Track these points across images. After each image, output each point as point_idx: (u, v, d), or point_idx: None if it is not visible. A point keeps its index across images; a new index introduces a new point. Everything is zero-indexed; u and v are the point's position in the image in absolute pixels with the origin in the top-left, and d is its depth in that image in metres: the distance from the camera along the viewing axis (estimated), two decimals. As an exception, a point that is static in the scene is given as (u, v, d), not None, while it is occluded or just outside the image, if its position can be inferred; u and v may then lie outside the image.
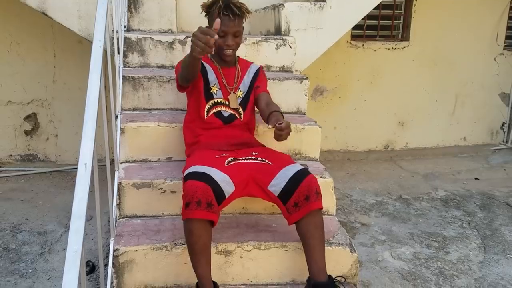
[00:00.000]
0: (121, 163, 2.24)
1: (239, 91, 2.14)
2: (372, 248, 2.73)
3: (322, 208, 1.83)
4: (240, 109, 2.13)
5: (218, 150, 1.99)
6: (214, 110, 2.08)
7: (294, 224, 1.84)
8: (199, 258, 1.70)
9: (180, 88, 2.09)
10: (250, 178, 1.87)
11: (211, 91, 2.09)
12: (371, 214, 3.23)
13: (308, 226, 1.80)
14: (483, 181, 3.90)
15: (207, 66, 2.10)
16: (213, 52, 1.87)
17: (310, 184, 1.79)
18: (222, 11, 1.94)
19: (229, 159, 1.92)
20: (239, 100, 2.13)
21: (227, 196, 1.77)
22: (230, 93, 2.11)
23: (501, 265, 2.58)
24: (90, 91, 1.46)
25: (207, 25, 2.04)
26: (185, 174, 1.79)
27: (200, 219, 1.66)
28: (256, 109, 2.22)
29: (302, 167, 1.87)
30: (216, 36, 1.60)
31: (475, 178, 3.97)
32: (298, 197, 1.78)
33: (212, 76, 2.09)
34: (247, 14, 2.03)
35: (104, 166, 1.91)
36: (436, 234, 2.93)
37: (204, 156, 1.91)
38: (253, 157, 1.95)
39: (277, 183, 1.82)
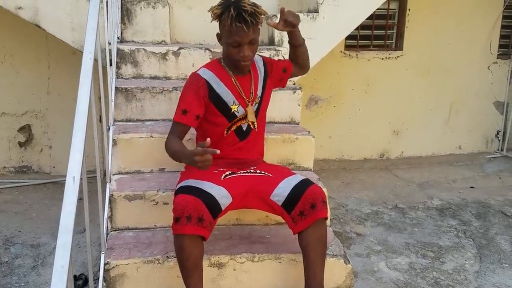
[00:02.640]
0: (114, 174, 2.22)
1: (258, 97, 1.98)
2: (367, 259, 2.72)
3: (327, 218, 1.82)
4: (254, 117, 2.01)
5: (217, 166, 1.90)
6: (235, 127, 1.94)
7: (288, 235, 1.83)
8: (191, 274, 1.68)
9: None
10: (249, 190, 1.84)
11: (233, 111, 1.91)
12: (366, 223, 3.22)
13: (311, 237, 1.77)
14: (479, 190, 3.89)
15: (218, 84, 1.89)
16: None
17: (315, 192, 1.77)
18: (234, 21, 1.73)
19: (227, 173, 1.88)
20: (256, 107, 1.97)
21: (223, 208, 1.75)
22: (247, 105, 1.94)
23: (497, 275, 2.56)
24: (80, 103, 1.45)
25: (218, 32, 1.88)
26: (176, 188, 1.77)
27: (191, 234, 1.64)
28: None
29: (305, 178, 1.85)
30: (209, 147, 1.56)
31: (471, 187, 3.96)
32: (304, 206, 1.76)
33: (228, 96, 1.90)
34: (262, 17, 1.82)
35: (96, 177, 1.90)
36: (431, 244, 2.91)
37: (200, 170, 1.81)
38: (251, 171, 1.92)
39: (280, 193, 1.80)
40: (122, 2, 2.86)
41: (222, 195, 1.74)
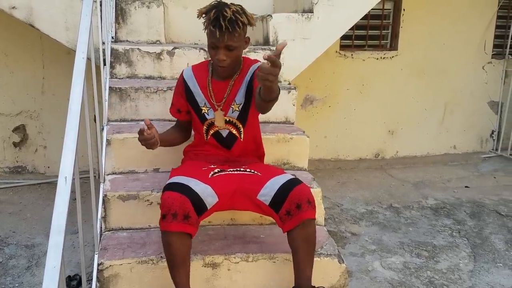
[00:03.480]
0: (108, 174, 2.22)
1: (234, 103, 1.94)
2: (362, 258, 2.72)
3: (314, 218, 1.79)
4: (239, 124, 1.98)
5: (207, 162, 1.96)
6: (212, 131, 1.98)
7: (282, 235, 1.82)
8: (178, 269, 1.69)
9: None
10: (236, 189, 1.83)
11: (203, 112, 1.97)
12: (361, 223, 3.22)
13: (298, 238, 1.77)
14: (473, 189, 3.91)
15: (193, 84, 1.98)
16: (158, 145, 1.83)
17: (301, 193, 1.75)
18: (210, 24, 1.76)
19: (215, 170, 1.88)
20: (236, 115, 1.95)
21: (209, 207, 1.75)
22: (217, 109, 1.95)
23: (491, 274, 2.57)
24: (72, 102, 1.45)
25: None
26: (164, 185, 1.77)
27: (177, 231, 1.65)
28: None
29: (293, 177, 1.82)
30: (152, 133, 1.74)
31: (465, 186, 3.98)
32: (290, 205, 1.74)
33: (199, 96, 1.97)
34: (245, 27, 1.81)
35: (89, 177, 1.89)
36: (426, 243, 2.92)
37: (189, 167, 1.89)
38: (241, 169, 1.91)
39: (267, 192, 1.78)
40: (116, 2, 2.86)
41: (207, 193, 1.74)
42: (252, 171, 1.89)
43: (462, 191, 3.86)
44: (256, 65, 1.94)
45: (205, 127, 1.98)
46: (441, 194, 3.78)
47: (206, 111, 1.96)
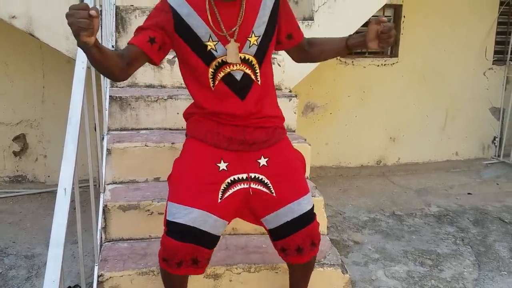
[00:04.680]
0: (108, 184, 2.20)
1: (253, 35, 1.49)
2: (365, 267, 2.69)
3: (315, 254, 1.66)
4: (255, 63, 1.51)
5: (217, 148, 1.54)
6: (222, 74, 1.48)
7: None
8: None
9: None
10: (245, 205, 1.59)
11: (209, 48, 1.46)
12: (364, 231, 3.19)
13: (297, 271, 1.71)
14: (476, 196, 3.88)
15: (187, 10, 1.44)
16: (94, 39, 1.21)
17: (305, 236, 1.57)
18: None
19: (225, 184, 1.52)
20: (254, 50, 1.49)
21: (220, 235, 1.57)
22: (230, 40, 1.46)
23: (496, 282, 2.54)
24: (72, 112, 1.44)
25: None
26: (165, 219, 1.52)
27: (183, 275, 1.54)
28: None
29: (306, 210, 1.58)
30: (93, 12, 1.15)
31: (468, 193, 3.95)
32: (289, 245, 1.58)
33: (201, 28, 1.45)
34: None
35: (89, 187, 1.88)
36: (429, 251, 2.89)
37: (194, 172, 1.52)
38: (257, 176, 1.55)
39: (271, 222, 1.59)
40: (116, 11, 2.85)
41: (218, 226, 1.51)
42: (268, 182, 1.55)
43: (465, 198, 3.83)
44: None
45: (211, 69, 1.47)
46: (443, 201, 3.76)
47: (213, 46, 1.45)
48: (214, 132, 1.53)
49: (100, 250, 1.94)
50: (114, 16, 2.84)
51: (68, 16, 1.15)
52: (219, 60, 1.46)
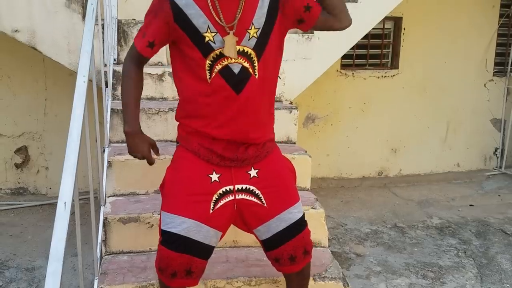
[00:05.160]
0: (108, 197, 2.20)
1: (252, 27, 1.44)
2: (367, 280, 2.67)
3: (309, 262, 1.67)
4: (254, 56, 1.46)
5: (208, 163, 1.52)
6: (219, 66, 1.43)
7: None
8: None
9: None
10: (237, 215, 1.59)
11: (207, 40, 1.42)
12: (366, 243, 3.18)
13: (292, 280, 1.69)
14: (478, 208, 3.86)
15: (186, 1, 1.42)
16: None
17: (297, 244, 1.58)
18: None
19: (217, 195, 1.52)
20: (253, 43, 1.45)
21: (215, 245, 1.58)
22: (228, 32, 1.42)
23: (499, 295, 2.53)
24: (73, 126, 1.45)
25: None
26: (160, 228, 1.54)
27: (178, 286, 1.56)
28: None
29: (297, 219, 1.59)
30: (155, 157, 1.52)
31: (470, 205, 3.94)
32: (282, 255, 1.59)
33: (200, 18, 1.41)
34: None
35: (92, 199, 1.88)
36: (432, 263, 2.88)
37: (187, 182, 1.52)
38: (248, 187, 1.55)
39: (263, 232, 1.59)
40: (118, 25, 2.88)
41: (211, 236, 1.53)
42: (259, 194, 1.56)
43: (467, 210, 3.81)
44: None
45: (208, 61, 1.43)
46: (445, 213, 3.74)
47: (212, 37, 1.41)
48: (207, 149, 1.52)
49: (100, 263, 1.93)
50: (116, 30, 2.86)
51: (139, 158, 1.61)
52: (217, 52, 1.42)
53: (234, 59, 1.43)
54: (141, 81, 1.58)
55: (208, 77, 1.44)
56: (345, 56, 3.73)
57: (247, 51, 1.45)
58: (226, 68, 1.43)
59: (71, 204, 1.22)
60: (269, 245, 1.61)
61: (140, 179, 2.25)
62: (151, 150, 1.62)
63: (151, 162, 1.62)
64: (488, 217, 3.65)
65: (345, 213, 3.73)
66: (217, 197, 1.52)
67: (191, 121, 1.53)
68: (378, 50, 4.37)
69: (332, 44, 2.98)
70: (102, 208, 2.05)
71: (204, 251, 1.53)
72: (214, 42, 1.41)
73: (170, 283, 1.53)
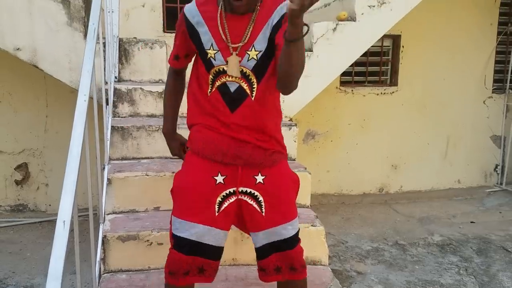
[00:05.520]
0: (108, 214, 2.20)
1: (253, 49, 1.49)
2: (368, 298, 2.65)
3: (302, 279, 1.65)
4: (253, 78, 1.51)
5: (214, 162, 1.56)
6: (218, 83, 1.52)
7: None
8: None
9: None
10: (240, 215, 1.62)
11: (208, 56, 1.51)
12: (367, 261, 3.15)
13: None
14: (479, 225, 3.84)
15: (197, 18, 1.53)
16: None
17: (284, 258, 1.60)
18: None
19: (220, 197, 1.55)
20: (252, 64, 1.49)
21: (223, 244, 1.61)
22: (232, 53, 1.49)
23: (501, 314, 2.50)
24: (73, 144, 1.45)
25: None
26: (170, 231, 1.59)
27: (190, 284, 1.56)
28: None
29: (289, 236, 1.60)
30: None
31: (471, 222, 3.92)
32: (268, 266, 1.62)
33: (205, 35, 1.52)
34: None
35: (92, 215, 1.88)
36: (433, 281, 2.85)
37: (192, 186, 1.56)
38: (252, 191, 1.57)
39: (256, 239, 1.62)
40: (120, 43, 2.91)
41: (220, 237, 1.57)
42: (261, 201, 1.57)
43: (468, 227, 3.79)
44: (286, 3, 1.46)
45: (210, 76, 1.52)
46: (446, 230, 3.72)
47: (213, 55, 1.50)
48: (211, 144, 1.56)
49: (99, 281, 1.92)
50: (118, 48, 2.90)
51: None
52: (217, 69, 1.51)
53: (233, 77, 1.50)
54: (177, 90, 1.77)
55: (208, 90, 1.54)
56: (344, 73, 3.76)
57: (245, 72, 1.50)
58: (224, 85, 1.52)
59: (70, 221, 1.22)
60: (258, 254, 1.64)
61: (140, 196, 2.25)
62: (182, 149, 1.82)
63: (182, 158, 1.77)
64: (489, 234, 3.62)
65: (346, 230, 3.71)
66: (220, 199, 1.56)
67: (198, 119, 1.60)
68: (377, 68, 4.40)
69: (331, 62, 3.00)
70: (101, 226, 2.05)
71: (215, 252, 1.58)
72: (215, 59, 1.51)
73: (183, 282, 1.55)
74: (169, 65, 1.73)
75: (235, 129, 1.54)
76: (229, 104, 1.52)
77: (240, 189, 1.55)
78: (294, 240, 1.63)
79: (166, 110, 1.81)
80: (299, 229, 1.66)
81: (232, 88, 1.51)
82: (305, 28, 1.27)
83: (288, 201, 1.63)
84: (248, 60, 1.49)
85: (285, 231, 1.60)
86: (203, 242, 1.54)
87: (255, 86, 1.51)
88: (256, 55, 1.49)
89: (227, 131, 1.54)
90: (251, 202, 1.57)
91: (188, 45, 1.58)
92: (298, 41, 1.27)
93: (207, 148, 1.56)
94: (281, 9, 1.49)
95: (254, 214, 1.58)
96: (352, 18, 3.02)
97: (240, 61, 1.48)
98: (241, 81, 1.50)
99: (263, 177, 1.57)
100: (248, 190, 1.56)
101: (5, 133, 3.76)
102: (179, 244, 1.55)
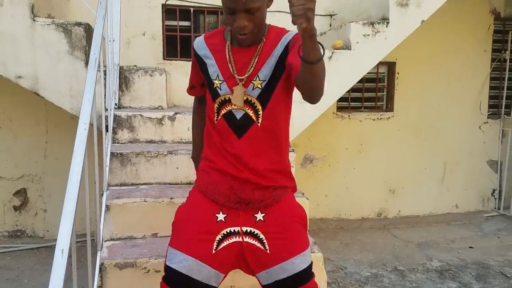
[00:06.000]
0: (106, 241, 2.20)
1: (257, 79, 1.54)
2: (366, 325, 2.63)
3: None
4: (258, 105, 1.54)
5: (215, 203, 1.58)
6: (224, 111, 1.56)
7: None
8: None
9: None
10: (241, 258, 1.58)
11: (215, 86, 1.58)
12: (366, 287, 3.14)
13: None
14: (478, 250, 3.84)
15: (205, 51, 1.62)
16: None
17: None
18: None
19: (220, 235, 1.54)
20: (256, 93, 1.54)
21: (216, 285, 1.58)
22: (237, 83, 1.54)
23: None
24: (73, 173, 1.47)
25: None
26: (165, 263, 1.58)
27: None
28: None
29: (300, 270, 1.55)
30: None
31: (470, 247, 3.91)
32: None
33: (212, 67, 1.59)
34: None
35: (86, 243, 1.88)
36: (432, 308, 2.83)
37: (193, 221, 1.57)
38: (253, 230, 1.56)
39: (264, 278, 1.58)
40: (120, 71, 2.97)
41: (212, 276, 1.54)
42: (263, 238, 1.55)
43: (466, 252, 3.78)
44: (290, 34, 1.56)
45: (216, 105, 1.58)
46: (445, 255, 3.71)
47: (218, 85, 1.56)
48: (214, 187, 1.58)
49: (96, 309, 1.91)
50: (118, 76, 2.95)
51: None
52: (222, 98, 1.56)
53: (240, 107, 1.55)
54: (199, 115, 1.83)
55: (215, 118, 1.59)
56: (341, 99, 3.82)
57: (251, 100, 1.55)
58: (230, 113, 1.56)
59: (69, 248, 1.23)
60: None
61: (138, 223, 2.26)
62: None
63: None
64: (488, 259, 3.61)
65: (345, 256, 3.70)
66: (220, 237, 1.54)
67: (206, 151, 1.66)
68: (373, 94, 4.47)
69: (328, 89, 3.02)
70: (98, 253, 2.05)
71: None
72: (220, 89, 1.57)
73: None
74: None
75: (237, 166, 1.55)
76: (236, 130, 1.55)
77: (239, 229, 1.55)
78: (305, 275, 1.56)
79: (193, 135, 1.89)
80: (311, 263, 1.59)
81: (238, 115, 1.55)
82: (320, 49, 1.28)
83: (292, 236, 1.58)
84: (253, 89, 1.54)
85: (294, 265, 1.54)
86: (192, 277, 1.50)
87: (260, 113, 1.54)
88: (261, 84, 1.54)
89: (229, 168, 1.55)
90: (253, 242, 1.55)
91: (200, 76, 1.68)
92: (320, 61, 1.28)
93: (211, 191, 1.59)
94: (285, 39, 1.55)
95: (258, 253, 1.55)
96: (347, 47, 3.09)
97: (245, 91, 1.54)
98: (247, 108, 1.54)
99: (263, 214, 1.57)
100: (249, 229, 1.55)
101: (5, 158, 3.78)
102: (169, 276, 1.54)
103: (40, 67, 2.77)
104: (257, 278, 1.62)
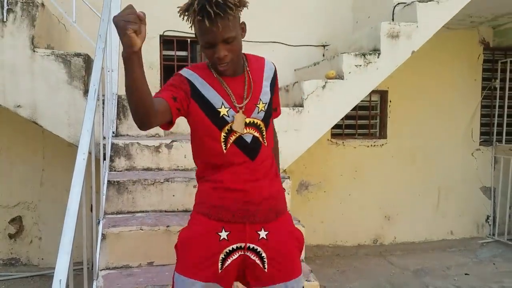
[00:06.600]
0: (101, 270, 2.20)
1: (260, 102, 1.61)
2: None
3: None
4: (263, 127, 1.62)
5: (218, 221, 1.58)
6: (233, 137, 1.57)
7: None
8: None
9: (163, 126, 1.59)
10: (241, 270, 1.62)
11: (221, 114, 1.56)
12: (361, 316, 3.12)
13: None
14: (474, 277, 3.83)
15: (201, 83, 1.58)
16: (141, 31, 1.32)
17: None
18: (197, 16, 1.45)
19: (223, 254, 1.56)
20: (262, 115, 1.61)
21: None
22: (238, 111, 1.57)
23: None
24: (71, 203, 1.49)
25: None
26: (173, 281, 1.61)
27: None
28: None
29: None
30: (141, 14, 1.29)
31: (465, 274, 3.90)
32: None
33: (215, 97, 1.57)
34: (237, 9, 1.48)
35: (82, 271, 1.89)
36: (428, 336, 2.82)
37: (196, 243, 1.58)
38: (255, 247, 1.58)
39: None
40: (118, 100, 3.02)
41: None
42: (264, 257, 1.58)
43: (462, 279, 3.78)
44: (269, 61, 1.70)
45: (223, 134, 1.56)
46: (441, 282, 3.70)
47: (226, 112, 1.56)
48: (221, 206, 1.58)
49: None
50: (116, 104, 3.00)
51: (115, 17, 1.28)
52: (229, 126, 1.57)
53: (247, 129, 1.58)
54: (151, 100, 1.48)
55: (223, 147, 1.57)
56: (335, 126, 3.88)
57: (257, 122, 1.60)
58: (240, 138, 1.57)
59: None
60: None
61: (134, 252, 2.27)
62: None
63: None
64: (484, 286, 3.61)
65: (341, 284, 3.68)
66: (223, 256, 1.56)
67: (210, 173, 1.62)
68: (366, 121, 4.54)
69: (322, 117, 3.12)
70: (94, 283, 2.05)
71: None
72: (228, 116, 1.56)
73: None
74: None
75: (248, 183, 1.57)
76: (249, 154, 1.58)
77: (242, 246, 1.57)
78: None
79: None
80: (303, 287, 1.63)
81: (248, 139, 1.58)
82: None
83: (290, 258, 1.63)
84: (258, 112, 1.60)
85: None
86: None
87: (264, 134, 1.62)
88: (264, 106, 1.61)
89: (238, 185, 1.57)
90: (254, 258, 1.58)
91: (187, 100, 1.57)
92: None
93: (215, 212, 1.58)
94: (268, 64, 1.70)
95: (256, 270, 1.59)
96: (340, 77, 3.17)
97: (250, 113, 1.58)
98: (254, 131, 1.59)
99: (266, 232, 1.59)
100: (252, 246, 1.58)
101: (1, 186, 3.79)
102: None
103: (39, 96, 2.81)
104: None
